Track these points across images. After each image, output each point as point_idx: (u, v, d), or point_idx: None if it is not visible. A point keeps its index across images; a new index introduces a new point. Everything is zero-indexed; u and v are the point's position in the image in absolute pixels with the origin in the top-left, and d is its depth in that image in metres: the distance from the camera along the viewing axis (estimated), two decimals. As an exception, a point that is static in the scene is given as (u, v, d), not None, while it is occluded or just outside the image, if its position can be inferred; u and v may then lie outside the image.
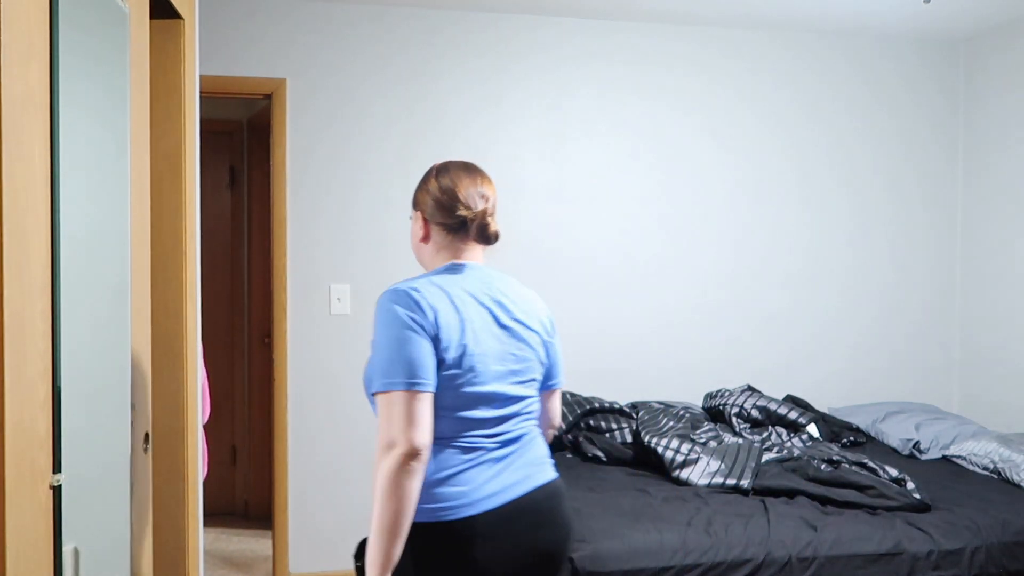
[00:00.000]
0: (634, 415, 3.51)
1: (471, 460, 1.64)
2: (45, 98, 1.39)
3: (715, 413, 3.67)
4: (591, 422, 3.47)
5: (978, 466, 3.26)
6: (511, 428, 1.71)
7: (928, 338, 4.16)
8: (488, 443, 1.67)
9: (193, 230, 2.39)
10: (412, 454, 1.54)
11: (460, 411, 1.64)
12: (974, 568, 2.55)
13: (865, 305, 4.10)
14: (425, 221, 1.80)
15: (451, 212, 1.75)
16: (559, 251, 3.83)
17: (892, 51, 4.06)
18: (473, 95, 3.74)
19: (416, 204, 1.82)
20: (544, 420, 1.90)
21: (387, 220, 3.69)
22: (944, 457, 3.44)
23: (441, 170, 1.80)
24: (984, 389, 4.00)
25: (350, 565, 3.71)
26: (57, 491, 1.42)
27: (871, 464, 3.02)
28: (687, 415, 3.56)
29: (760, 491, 2.89)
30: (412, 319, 1.60)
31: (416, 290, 1.64)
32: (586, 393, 3.81)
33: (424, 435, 1.56)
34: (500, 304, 1.74)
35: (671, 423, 3.36)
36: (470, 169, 1.81)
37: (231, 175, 4.57)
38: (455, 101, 3.73)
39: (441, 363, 1.62)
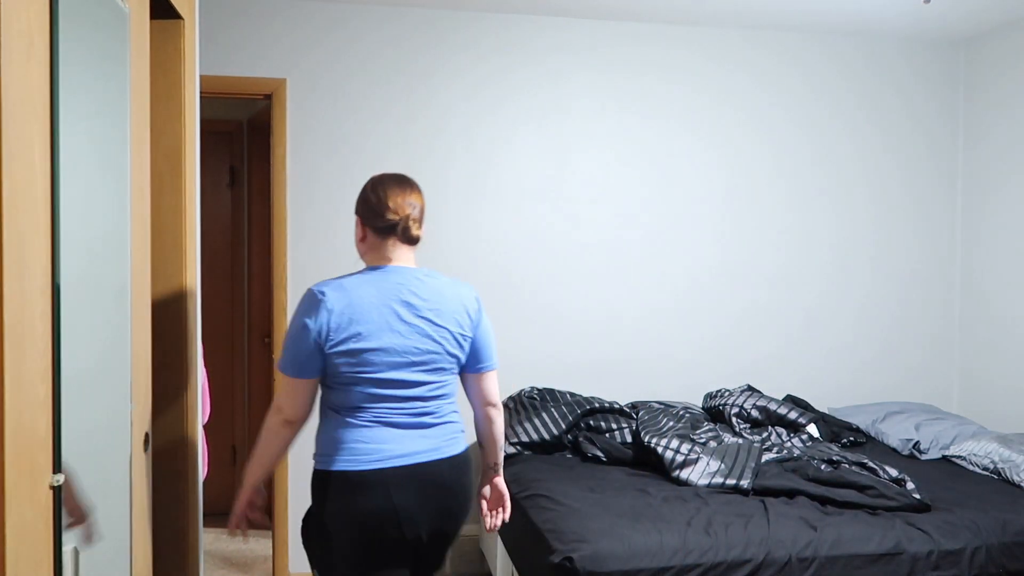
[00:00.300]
0: (634, 415, 3.51)
1: (379, 426, 2.00)
2: (45, 98, 1.39)
3: (715, 413, 3.68)
4: (591, 422, 3.47)
5: (978, 466, 3.26)
6: (417, 406, 2.03)
7: (928, 338, 4.16)
8: (394, 416, 2.01)
9: (193, 230, 2.39)
10: (289, 421, 2.03)
11: (366, 389, 1.99)
12: (974, 568, 2.55)
13: (865, 305, 4.10)
14: (363, 225, 2.10)
15: (382, 217, 2.05)
16: (559, 251, 3.83)
17: (892, 51, 4.07)
18: (474, 94, 3.74)
19: (357, 211, 2.12)
20: (479, 398, 2.20)
21: (387, 220, 3.69)
22: (944, 457, 3.45)
23: (378, 182, 2.10)
24: (984, 389, 4.00)
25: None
26: (57, 491, 1.42)
27: (871, 464, 3.02)
28: (687, 415, 3.56)
29: (760, 491, 2.89)
30: (307, 322, 1.97)
31: (323, 293, 1.99)
32: (586, 393, 3.81)
33: (300, 410, 2.03)
34: (407, 304, 2.02)
35: (671, 423, 3.37)
36: (401, 181, 2.10)
37: (231, 175, 4.57)
38: (455, 99, 3.73)
39: (335, 355, 1.97)
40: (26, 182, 1.31)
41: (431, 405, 2.05)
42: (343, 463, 1.97)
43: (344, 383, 2.00)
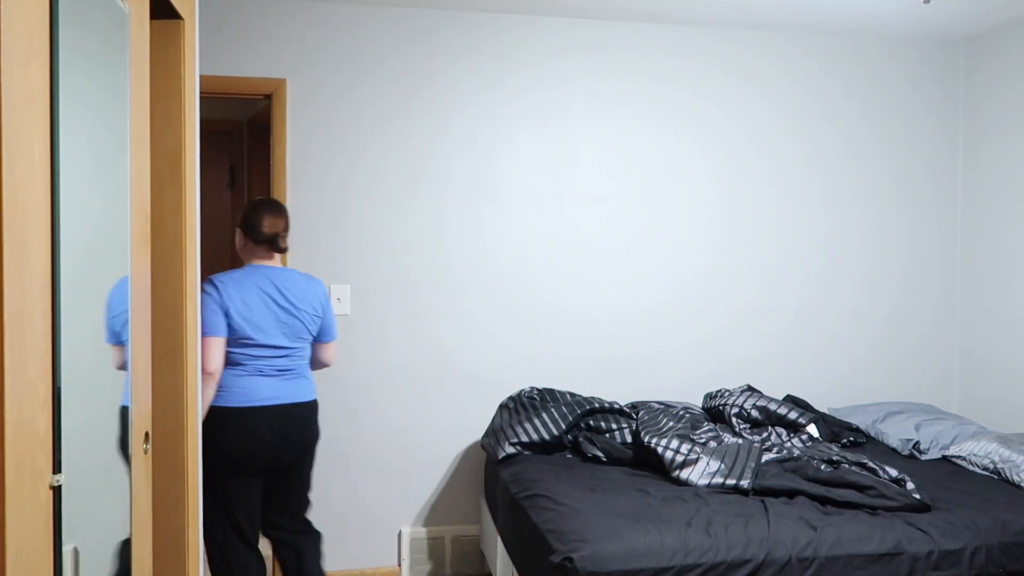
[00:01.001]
0: (634, 415, 3.51)
1: (257, 376, 2.83)
2: (45, 98, 1.39)
3: (715, 413, 3.68)
4: (591, 422, 3.47)
5: (978, 466, 3.26)
6: (283, 363, 2.87)
7: (928, 338, 4.16)
8: (267, 369, 2.84)
9: (193, 230, 2.39)
10: (210, 372, 2.73)
11: (250, 350, 2.81)
12: (974, 568, 2.55)
13: (865, 305, 4.11)
14: (244, 236, 2.91)
15: (260, 232, 2.87)
16: (559, 251, 3.83)
17: (891, 51, 4.07)
18: (473, 94, 3.74)
19: (240, 225, 2.92)
20: (320, 359, 3.06)
21: (387, 220, 3.69)
22: (944, 457, 3.45)
23: (257, 207, 2.91)
24: (984, 389, 4.00)
25: (351, 565, 3.71)
26: (57, 491, 1.42)
27: (871, 464, 3.02)
28: (687, 415, 3.56)
29: (760, 491, 2.89)
30: (212, 298, 2.77)
31: (222, 282, 2.81)
32: (586, 393, 3.81)
33: (213, 363, 2.74)
34: (279, 291, 2.85)
35: (671, 423, 3.37)
36: (273, 206, 2.93)
37: (231, 175, 4.57)
38: (454, 100, 3.73)
39: (232, 326, 2.78)
40: (26, 182, 1.32)
41: (292, 362, 2.89)
42: (232, 401, 2.79)
43: (233, 345, 2.80)
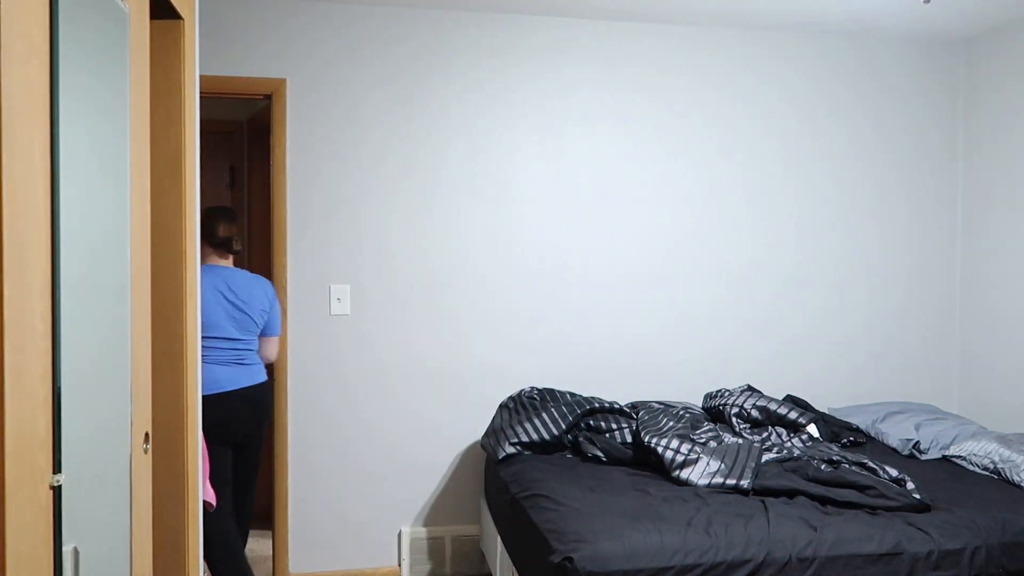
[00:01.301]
0: (634, 415, 3.51)
1: (215, 365, 3.11)
2: (45, 98, 1.39)
3: (715, 413, 3.68)
4: (591, 422, 3.47)
5: (978, 466, 3.26)
6: (238, 354, 3.19)
7: (928, 338, 4.16)
8: (224, 358, 3.15)
9: (193, 230, 2.39)
10: None
11: (207, 342, 3.08)
12: (974, 568, 2.55)
13: (865, 305, 4.11)
14: (201, 240, 2.95)
15: (216, 236, 3.21)
16: (560, 252, 3.83)
17: (892, 51, 4.07)
18: (473, 94, 3.74)
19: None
20: (265, 352, 3.37)
21: (387, 220, 3.69)
22: (944, 457, 3.45)
23: (213, 214, 3.22)
24: (984, 389, 4.00)
25: (350, 565, 3.71)
26: (57, 491, 1.42)
27: (871, 464, 3.02)
28: (687, 415, 3.56)
29: (760, 491, 2.89)
30: None
31: None
32: (586, 393, 3.81)
33: None
34: (230, 289, 3.17)
35: (671, 423, 3.37)
36: (226, 213, 3.27)
37: (231, 175, 4.57)
38: (455, 100, 3.73)
39: None
40: (26, 182, 1.32)
41: (244, 353, 3.21)
42: (206, 389, 2.97)
43: (205, 339, 3.01)
